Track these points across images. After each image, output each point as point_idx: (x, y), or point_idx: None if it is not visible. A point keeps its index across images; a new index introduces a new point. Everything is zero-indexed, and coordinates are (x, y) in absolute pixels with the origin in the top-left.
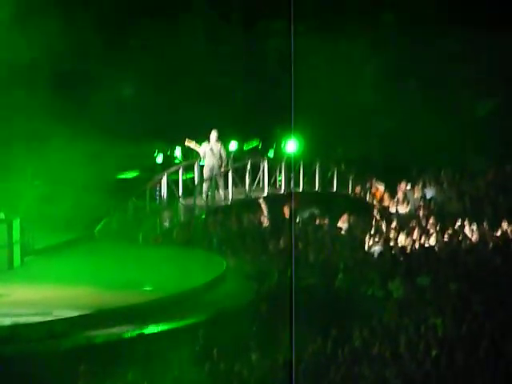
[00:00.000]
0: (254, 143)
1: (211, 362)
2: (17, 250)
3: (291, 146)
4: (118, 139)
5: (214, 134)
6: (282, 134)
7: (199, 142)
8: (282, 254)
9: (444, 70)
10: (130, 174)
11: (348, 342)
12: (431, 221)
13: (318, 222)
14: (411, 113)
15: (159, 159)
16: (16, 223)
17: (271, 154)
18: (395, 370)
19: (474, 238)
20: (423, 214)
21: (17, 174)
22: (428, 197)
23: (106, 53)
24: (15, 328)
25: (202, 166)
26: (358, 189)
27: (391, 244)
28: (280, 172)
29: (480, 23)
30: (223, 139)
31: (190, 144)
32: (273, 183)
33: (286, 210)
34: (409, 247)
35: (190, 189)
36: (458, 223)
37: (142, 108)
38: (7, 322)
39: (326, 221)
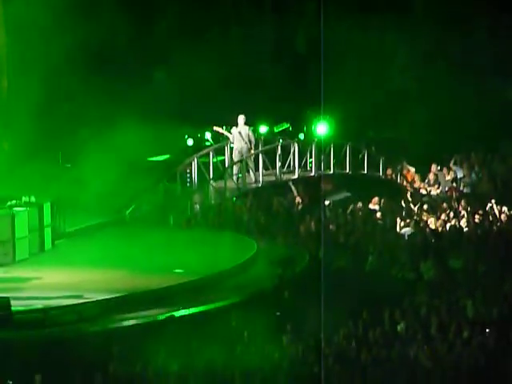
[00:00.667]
0: (285, 126)
1: (242, 345)
2: (48, 233)
3: (321, 128)
4: (149, 122)
5: (241, 118)
6: (313, 116)
7: (229, 125)
8: (313, 236)
9: (474, 55)
10: (161, 157)
11: (379, 325)
12: (462, 203)
13: (348, 204)
14: (441, 96)
15: (190, 142)
16: (47, 207)
17: (302, 136)
18: (426, 352)
19: (504, 219)
20: (454, 196)
21: (48, 157)
22: (459, 179)
23: (137, 38)
24: (47, 311)
25: (232, 149)
26: (388, 171)
27: (422, 226)
28: (310, 154)
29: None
30: (254, 122)
31: (218, 129)
32: (303, 166)
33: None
34: (440, 229)
35: (221, 172)
36: (489, 205)
37: (173, 91)
38: (39, 305)
39: (357, 203)
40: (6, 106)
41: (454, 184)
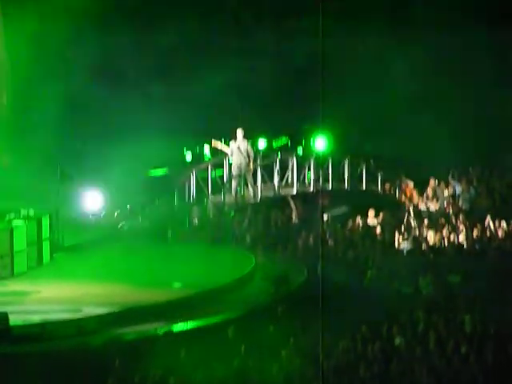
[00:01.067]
0: (283, 140)
1: (240, 360)
2: (46, 246)
3: (320, 143)
4: (148, 136)
5: (240, 132)
6: (311, 131)
7: (227, 139)
8: (312, 251)
9: (473, 68)
10: (159, 172)
11: (377, 339)
12: (460, 217)
13: (347, 219)
14: (440, 110)
15: (188, 157)
16: (45, 220)
17: (300, 151)
18: (425, 367)
19: (502, 234)
20: (452, 211)
21: (47, 172)
22: (457, 194)
23: (135, 51)
24: (45, 325)
25: (230, 164)
26: (387, 186)
27: (420, 241)
28: (309, 169)
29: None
30: (253, 136)
31: (217, 144)
32: (302, 180)
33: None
34: (438, 244)
35: (219, 186)
36: (487, 220)
37: (172, 105)
38: (37, 319)
39: (356, 218)
40: (6, 120)
41: (452, 199)
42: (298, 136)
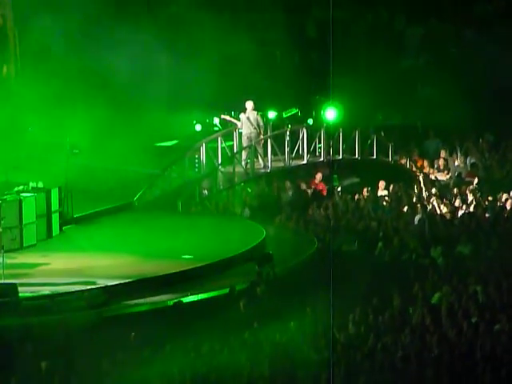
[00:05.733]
0: (293, 111)
1: (250, 331)
2: (56, 219)
3: (330, 113)
4: (157, 108)
5: (250, 104)
6: (321, 101)
7: (237, 111)
8: (322, 221)
9: (483, 34)
10: (170, 143)
11: (388, 310)
12: (471, 188)
13: (357, 189)
14: (451, 79)
15: (198, 127)
16: (55, 192)
17: (310, 121)
18: (436, 338)
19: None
20: (463, 182)
21: (56, 143)
22: (468, 164)
23: (145, 21)
24: (54, 297)
25: (241, 134)
26: (398, 157)
27: (432, 212)
28: (319, 140)
29: None
30: (263, 107)
31: (226, 117)
32: (312, 151)
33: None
34: (449, 215)
35: (230, 157)
36: (499, 191)
37: (181, 77)
38: (46, 291)
39: (366, 188)
40: (13, 92)
41: (464, 170)
42: (309, 106)
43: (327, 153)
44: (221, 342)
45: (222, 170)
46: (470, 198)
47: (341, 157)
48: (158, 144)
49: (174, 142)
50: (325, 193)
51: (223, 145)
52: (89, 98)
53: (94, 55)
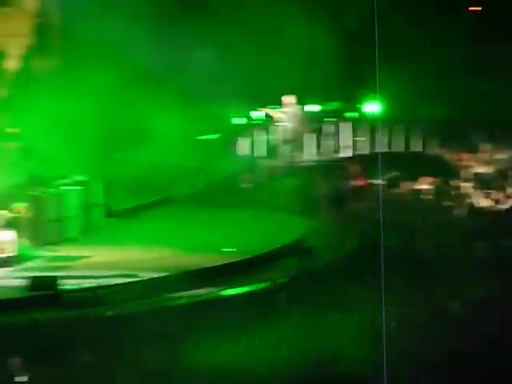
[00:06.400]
0: (338, 105)
1: (293, 324)
2: (98, 212)
3: (375, 107)
4: (200, 101)
5: (292, 97)
6: (366, 94)
7: (281, 104)
8: (363, 215)
9: None
10: (211, 136)
11: (431, 304)
12: None
13: (400, 183)
14: (495, 73)
15: (240, 121)
16: (98, 186)
17: (355, 115)
18: (477, 331)
19: None
20: (507, 176)
21: (99, 137)
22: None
23: (191, 14)
24: (96, 290)
25: (283, 128)
26: (441, 150)
27: (475, 205)
28: (363, 133)
29: None
30: (306, 101)
31: (269, 111)
32: (356, 145)
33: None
34: (493, 209)
35: (271, 150)
36: None
37: (225, 70)
38: (88, 284)
39: (409, 182)
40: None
41: (507, 163)
42: (353, 100)
43: (370, 146)
44: (259, 336)
45: (264, 163)
46: None
47: (383, 150)
48: (200, 137)
49: (216, 135)
50: (366, 186)
51: (265, 138)
52: (128, 92)
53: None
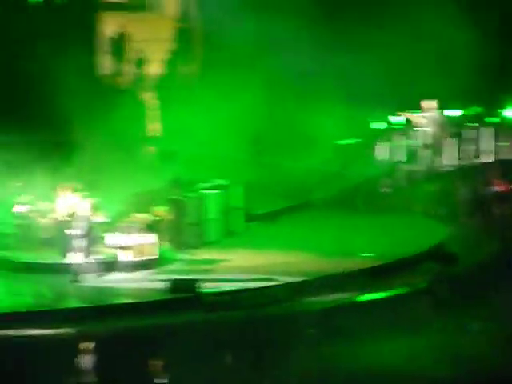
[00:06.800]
0: (478, 110)
1: (428, 332)
2: (238, 215)
3: None
4: (337, 106)
5: (433, 103)
6: (507, 99)
7: (421, 109)
8: (505, 220)
9: None
10: (349, 141)
11: None
12: None
13: None
14: None
15: (380, 125)
16: (239, 190)
17: (496, 120)
18: None
19: None
20: None
21: (241, 142)
22: None
23: (332, 17)
24: (236, 293)
25: (422, 133)
26: None
27: None
28: (505, 138)
29: None
30: (446, 106)
31: (409, 115)
32: (497, 150)
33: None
34: None
35: (411, 155)
36: None
37: (358, 75)
38: (229, 287)
39: None
40: (195, 91)
41: None
42: (494, 105)
43: None
44: (401, 341)
45: (404, 167)
46: None
47: None
48: (338, 142)
49: (354, 139)
50: (508, 192)
51: (404, 143)
52: (267, 97)
53: (282, 53)
